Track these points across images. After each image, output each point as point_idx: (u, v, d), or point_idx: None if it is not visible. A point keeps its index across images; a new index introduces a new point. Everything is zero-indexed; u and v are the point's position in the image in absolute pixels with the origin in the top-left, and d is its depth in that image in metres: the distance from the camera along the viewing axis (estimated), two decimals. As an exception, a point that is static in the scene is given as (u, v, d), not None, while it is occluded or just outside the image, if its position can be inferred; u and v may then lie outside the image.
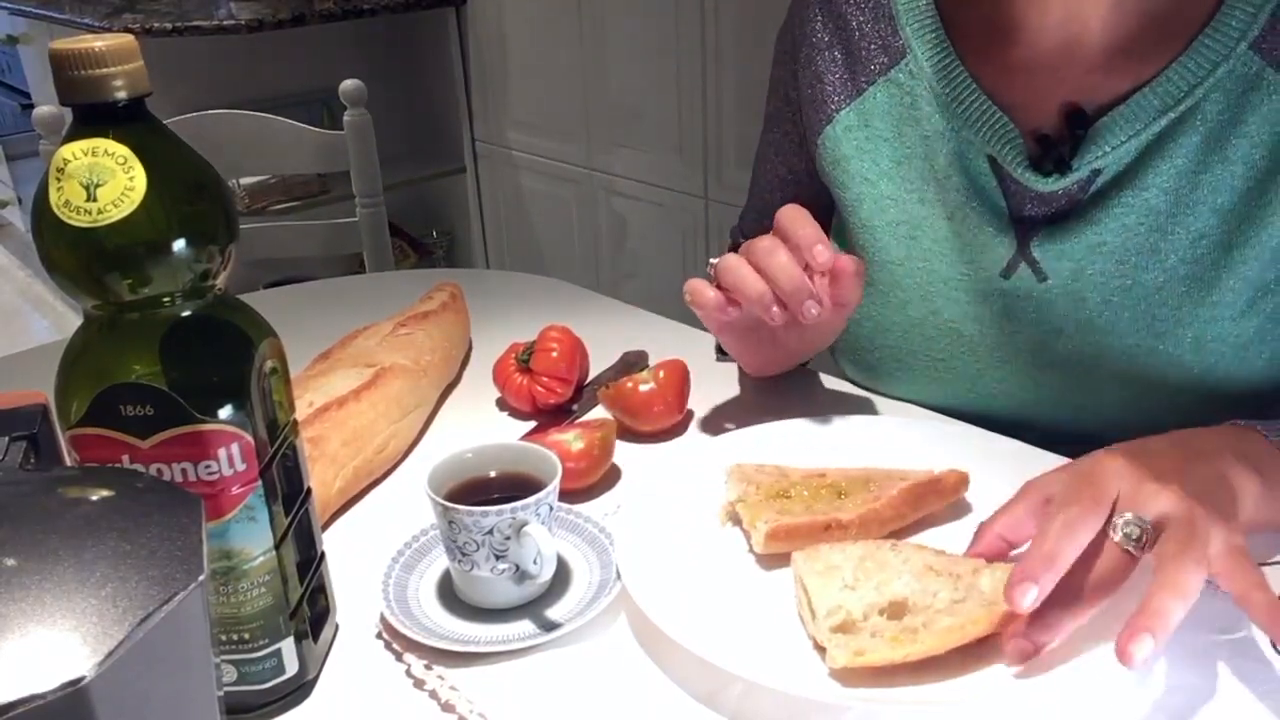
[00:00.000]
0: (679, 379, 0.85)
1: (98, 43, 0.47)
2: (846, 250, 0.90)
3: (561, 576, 0.67)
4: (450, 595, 0.66)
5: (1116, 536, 0.56)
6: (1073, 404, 0.82)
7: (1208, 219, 0.75)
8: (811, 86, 0.89)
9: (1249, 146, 0.73)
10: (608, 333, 1.00)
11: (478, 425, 0.89)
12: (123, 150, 0.48)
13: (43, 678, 0.31)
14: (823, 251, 0.72)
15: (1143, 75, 0.75)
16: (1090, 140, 0.76)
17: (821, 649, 0.59)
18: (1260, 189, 0.74)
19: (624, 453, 0.81)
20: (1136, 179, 0.76)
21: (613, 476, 0.79)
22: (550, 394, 0.88)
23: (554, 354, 0.88)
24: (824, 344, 0.86)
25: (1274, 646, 0.59)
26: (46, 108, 1.49)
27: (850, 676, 0.57)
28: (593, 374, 0.93)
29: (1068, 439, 0.75)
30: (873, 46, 0.86)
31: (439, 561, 0.68)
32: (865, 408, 0.88)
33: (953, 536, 0.68)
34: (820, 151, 0.90)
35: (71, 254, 0.49)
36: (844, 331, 0.89)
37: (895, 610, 0.59)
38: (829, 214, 0.94)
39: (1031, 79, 0.79)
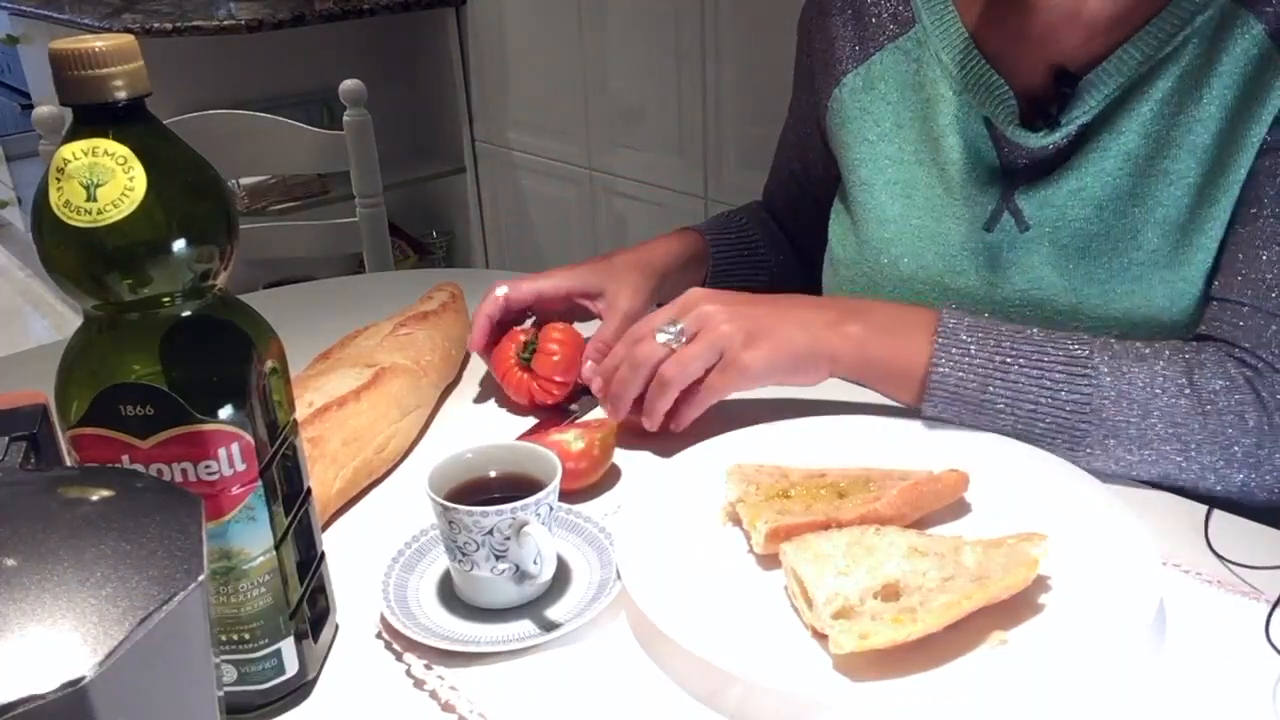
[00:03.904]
0: (679, 379, 0.85)
1: (98, 43, 0.47)
2: (846, 210, 0.95)
3: (561, 576, 0.67)
4: (450, 595, 0.66)
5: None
6: None
7: (1185, 160, 0.78)
8: (824, 51, 0.95)
9: (1222, 85, 0.76)
10: (608, 333, 1.00)
11: (478, 425, 0.89)
12: (123, 150, 0.48)
13: (43, 678, 0.31)
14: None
15: (1126, 34, 0.79)
16: (1077, 97, 0.80)
17: (821, 636, 0.59)
18: (1232, 128, 0.76)
19: (624, 453, 0.81)
20: (1114, 123, 0.80)
21: (613, 476, 0.79)
22: (550, 395, 0.88)
23: (555, 358, 0.88)
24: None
25: (1267, 637, 0.59)
26: (46, 108, 1.49)
27: (852, 664, 0.57)
28: (593, 374, 0.93)
29: None
30: (884, 15, 0.92)
31: (439, 561, 0.68)
32: (865, 408, 0.88)
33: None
34: (828, 115, 0.95)
35: (71, 254, 0.49)
36: (839, 290, 0.95)
37: (889, 592, 0.61)
38: (833, 187, 0.98)
39: (1029, 46, 0.83)
